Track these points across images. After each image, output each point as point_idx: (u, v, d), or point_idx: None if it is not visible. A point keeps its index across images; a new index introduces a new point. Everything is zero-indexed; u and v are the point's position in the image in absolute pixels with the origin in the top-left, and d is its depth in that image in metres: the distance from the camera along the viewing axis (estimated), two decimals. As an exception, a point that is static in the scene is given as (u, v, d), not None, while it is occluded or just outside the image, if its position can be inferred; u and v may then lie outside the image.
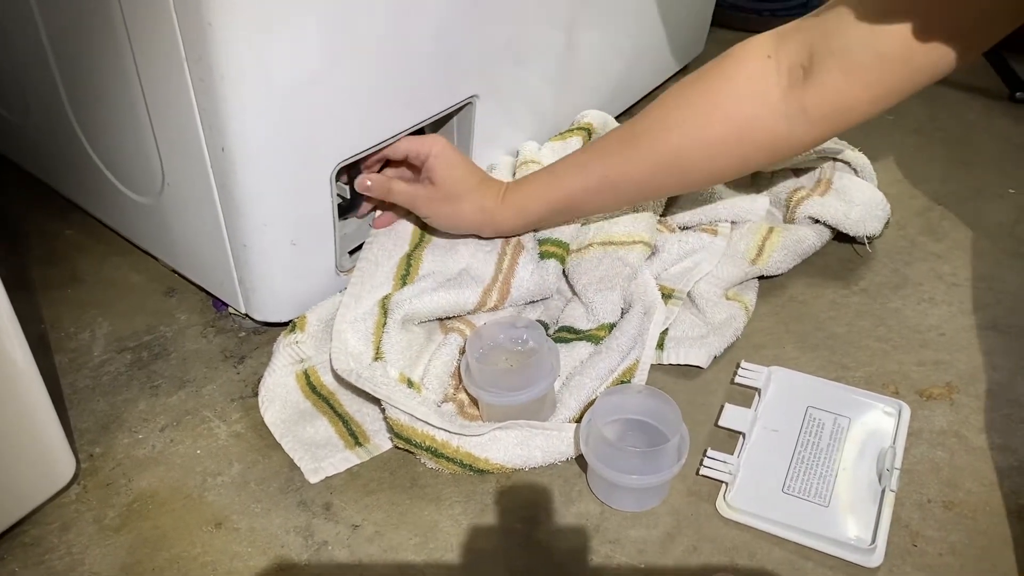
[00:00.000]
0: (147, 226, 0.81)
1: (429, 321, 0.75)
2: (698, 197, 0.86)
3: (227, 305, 0.79)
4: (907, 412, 0.71)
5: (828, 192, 0.89)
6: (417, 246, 0.79)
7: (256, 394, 0.71)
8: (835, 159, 0.94)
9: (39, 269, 0.86)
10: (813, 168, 0.94)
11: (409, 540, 0.62)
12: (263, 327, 0.79)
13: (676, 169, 0.70)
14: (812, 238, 0.85)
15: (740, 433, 0.70)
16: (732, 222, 0.86)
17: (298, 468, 0.66)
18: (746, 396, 0.73)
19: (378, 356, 0.69)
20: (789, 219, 0.88)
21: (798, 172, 0.94)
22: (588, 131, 0.93)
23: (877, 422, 0.70)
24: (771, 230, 0.84)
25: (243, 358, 0.76)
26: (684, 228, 0.86)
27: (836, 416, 0.70)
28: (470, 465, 0.65)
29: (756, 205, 0.86)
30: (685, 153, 0.69)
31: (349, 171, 0.76)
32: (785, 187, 0.91)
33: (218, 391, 0.73)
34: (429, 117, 0.76)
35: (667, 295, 0.78)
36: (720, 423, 0.70)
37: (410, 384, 0.68)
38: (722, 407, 0.71)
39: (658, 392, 0.66)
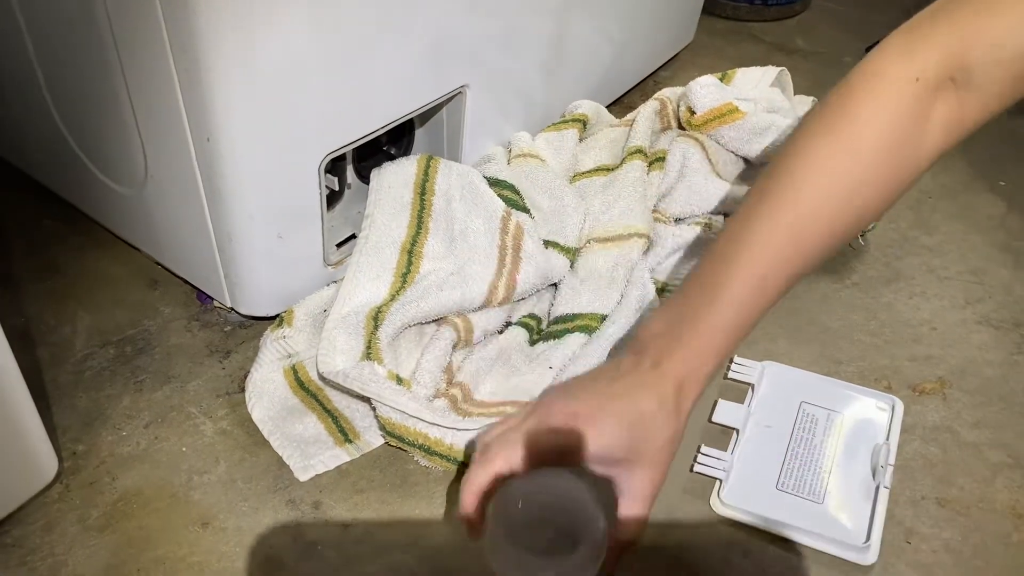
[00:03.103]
0: (130, 217, 0.79)
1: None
2: (692, 187, 0.85)
3: (212, 299, 0.78)
4: (900, 407, 0.71)
5: None
6: (418, 231, 0.76)
7: (243, 390, 0.70)
8: None
9: (19, 261, 0.84)
10: None
11: (400, 539, 0.61)
12: (249, 321, 0.78)
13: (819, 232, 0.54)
14: None
15: (734, 429, 0.69)
16: (725, 215, 0.85)
17: (286, 466, 0.65)
18: (739, 392, 0.73)
19: (369, 353, 0.68)
20: None
21: None
22: (583, 122, 0.92)
23: (870, 418, 0.70)
24: None
25: (229, 353, 0.75)
26: (678, 220, 0.85)
27: (829, 412, 0.70)
28: (464, 462, 0.64)
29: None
30: (826, 214, 0.53)
31: (337, 163, 0.75)
32: None
33: (203, 387, 0.72)
34: (419, 107, 0.75)
35: (661, 289, 0.77)
36: (713, 419, 0.70)
37: (399, 381, 0.67)
38: (715, 403, 0.71)
39: (572, 484, 0.51)
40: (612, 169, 0.87)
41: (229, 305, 0.75)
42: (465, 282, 0.73)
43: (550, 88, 0.92)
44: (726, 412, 0.70)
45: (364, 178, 0.80)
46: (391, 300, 0.72)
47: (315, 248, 0.74)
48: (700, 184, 0.86)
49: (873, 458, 0.66)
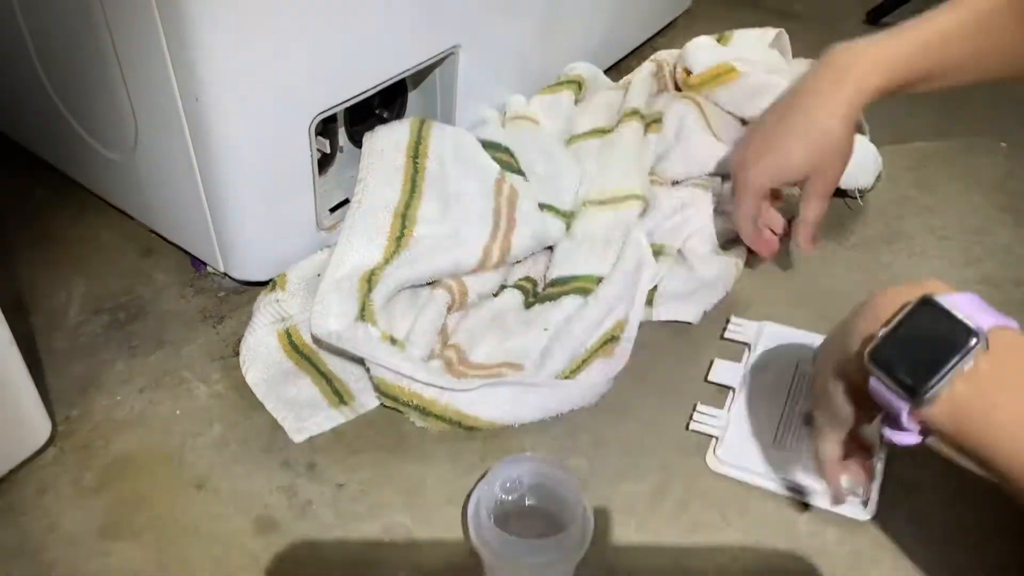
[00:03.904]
0: (121, 183, 0.79)
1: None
2: (689, 150, 0.84)
3: (205, 264, 0.77)
4: (899, 365, 0.70)
5: None
6: (411, 195, 0.76)
7: (237, 354, 0.70)
8: None
9: (11, 230, 0.83)
10: None
11: (395, 499, 0.61)
12: (242, 286, 0.77)
13: None
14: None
15: (730, 388, 0.69)
16: (723, 176, 0.84)
17: (281, 428, 0.65)
18: (736, 351, 0.72)
19: (363, 315, 0.67)
20: None
21: None
22: (578, 83, 0.91)
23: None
24: None
25: (222, 318, 0.75)
26: (676, 183, 0.84)
27: (827, 370, 0.70)
28: (459, 422, 0.64)
29: None
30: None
31: (328, 125, 0.74)
32: None
33: (197, 351, 0.72)
34: (410, 68, 0.74)
35: (657, 251, 0.77)
36: (710, 378, 0.69)
37: (393, 343, 0.66)
38: (712, 362, 0.70)
39: (555, 470, 0.57)
40: (608, 131, 0.87)
41: (222, 270, 0.75)
42: (459, 245, 0.73)
43: (545, 52, 0.91)
44: (722, 371, 0.70)
45: (357, 142, 0.79)
46: (385, 263, 0.71)
47: (307, 212, 0.74)
48: (697, 146, 0.85)
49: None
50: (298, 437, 0.65)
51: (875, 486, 0.61)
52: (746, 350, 0.72)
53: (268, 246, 0.73)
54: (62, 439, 0.65)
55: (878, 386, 0.46)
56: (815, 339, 0.72)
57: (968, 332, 0.43)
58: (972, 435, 0.44)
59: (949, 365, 0.43)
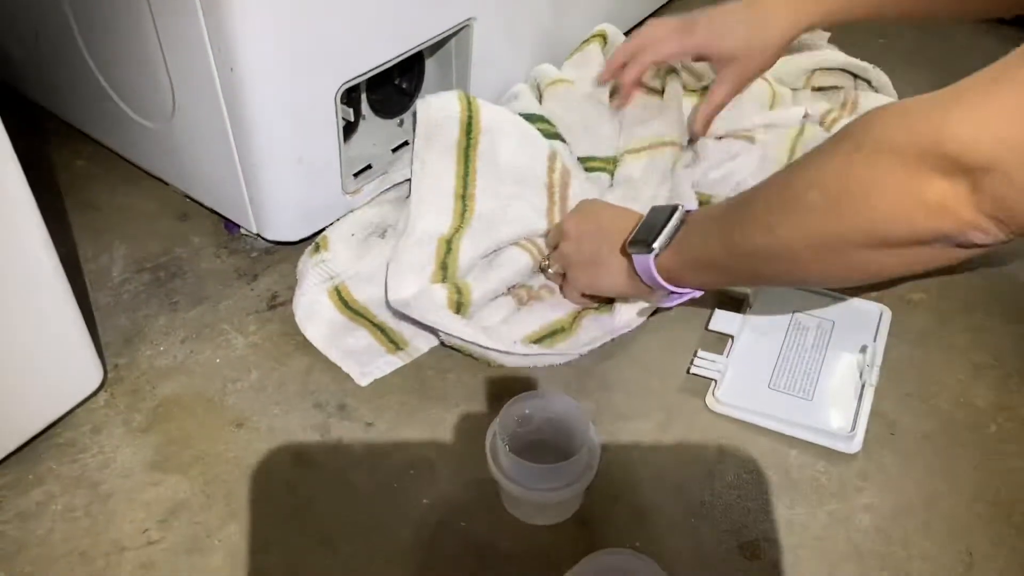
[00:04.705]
0: (159, 152, 0.84)
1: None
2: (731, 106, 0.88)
3: (239, 227, 0.83)
4: (888, 315, 0.75)
5: (856, 111, 0.92)
6: (466, 173, 0.79)
7: (271, 308, 0.75)
8: (857, 76, 0.97)
9: (52, 199, 0.88)
10: (838, 88, 0.97)
11: (419, 435, 0.66)
12: (274, 247, 0.82)
13: None
14: None
15: (729, 336, 0.73)
16: (767, 125, 0.89)
17: (313, 373, 0.71)
18: (735, 304, 0.77)
19: (444, 276, 0.72)
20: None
21: (823, 91, 0.98)
22: (603, 37, 0.95)
23: (860, 324, 0.74)
24: (801, 131, 0.88)
25: (256, 276, 0.80)
26: (719, 138, 0.89)
27: (820, 319, 0.74)
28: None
29: (790, 114, 0.90)
30: None
31: (351, 95, 0.79)
32: (816, 110, 0.93)
33: (234, 306, 0.77)
34: (431, 38, 0.78)
35: (703, 202, 0.82)
36: (710, 327, 0.74)
37: (459, 308, 0.71)
38: (712, 311, 0.75)
39: (566, 405, 0.62)
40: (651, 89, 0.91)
41: (255, 231, 0.80)
42: (523, 215, 0.77)
43: (559, 22, 0.95)
44: (722, 320, 0.74)
45: (377, 111, 0.84)
46: (455, 232, 0.76)
47: (334, 176, 0.79)
48: (741, 101, 0.88)
49: (860, 359, 0.71)
50: (363, 381, 0.70)
51: (862, 424, 0.66)
52: (745, 302, 0.77)
53: (298, 208, 0.78)
54: (112, 385, 0.70)
55: (636, 257, 0.64)
56: (810, 292, 0.77)
57: (671, 209, 0.63)
58: (690, 263, 0.62)
59: (665, 225, 0.62)
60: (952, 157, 0.43)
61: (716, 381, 0.69)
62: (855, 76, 0.97)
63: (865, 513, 0.61)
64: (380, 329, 0.73)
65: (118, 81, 0.81)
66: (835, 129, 0.89)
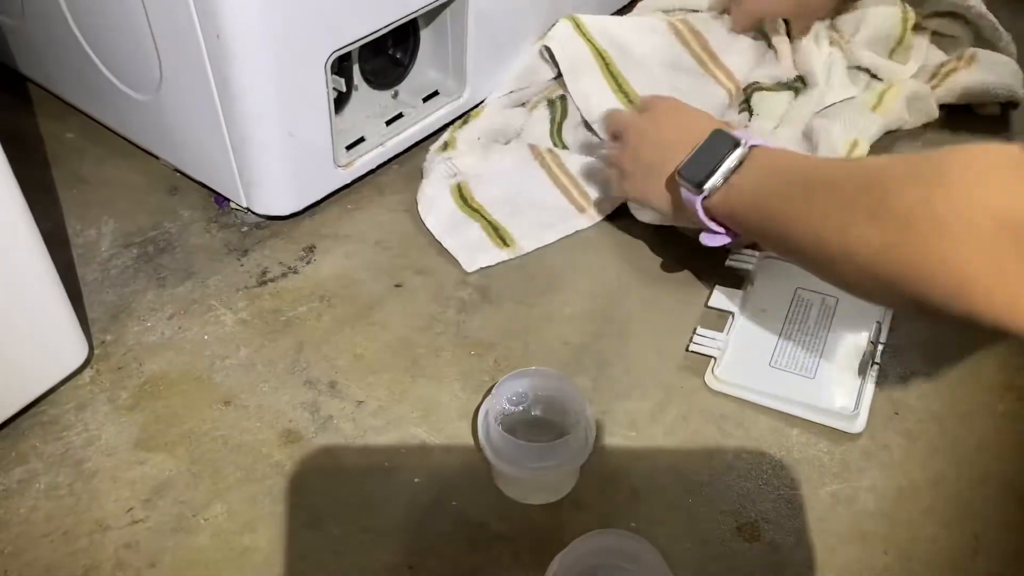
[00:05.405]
0: (147, 124, 0.82)
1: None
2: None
3: (228, 201, 0.81)
4: (894, 291, 0.73)
5: (972, 64, 0.91)
6: (617, 83, 0.86)
7: (260, 284, 0.74)
8: (968, 22, 0.95)
9: (41, 172, 0.87)
10: (955, 37, 0.96)
11: (410, 414, 0.65)
12: (265, 221, 0.81)
13: None
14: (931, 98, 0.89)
15: (729, 313, 0.72)
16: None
17: (303, 351, 0.69)
18: (737, 280, 0.75)
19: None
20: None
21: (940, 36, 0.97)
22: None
23: (864, 303, 0.72)
24: (893, 84, 0.89)
25: (246, 251, 0.78)
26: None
27: (824, 296, 0.72)
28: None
29: (904, 69, 0.91)
30: None
31: (343, 64, 0.77)
32: (932, 59, 0.94)
33: (223, 282, 0.75)
34: (421, 7, 0.76)
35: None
36: (710, 304, 0.72)
37: None
38: (712, 288, 0.73)
39: (560, 382, 0.61)
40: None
41: (245, 205, 0.78)
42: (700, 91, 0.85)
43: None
44: (723, 297, 0.72)
45: (370, 82, 0.82)
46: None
47: (325, 148, 0.77)
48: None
49: (864, 337, 0.69)
50: (471, 267, 0.76)
51: (866, 403, 0.64)
52: (747, 278, 0.75)
53: (288, 181, 0.76)
54: (98, 361, 0.69)
55: (683, 192, 0.63)
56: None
57: (734, 143, 0.60)
58: (739, 215, 0.59)
59: (720, 164, 0.60)
60: None
61: (716, 359, 0.68)
62: (966, 21, 0.95)
63: (868, 494, 0.60)
64: (493, 227, 0.78)
65: (105, 51, 0.79)
66: (949, 82, 0.90)
